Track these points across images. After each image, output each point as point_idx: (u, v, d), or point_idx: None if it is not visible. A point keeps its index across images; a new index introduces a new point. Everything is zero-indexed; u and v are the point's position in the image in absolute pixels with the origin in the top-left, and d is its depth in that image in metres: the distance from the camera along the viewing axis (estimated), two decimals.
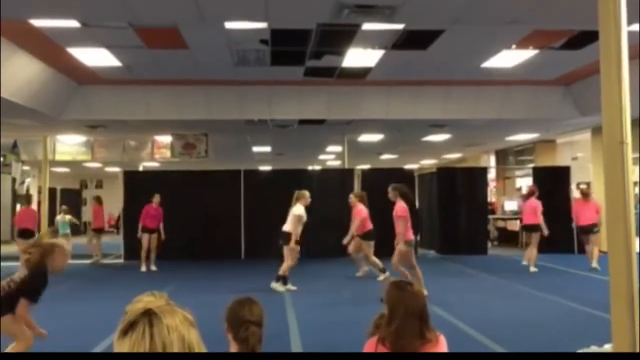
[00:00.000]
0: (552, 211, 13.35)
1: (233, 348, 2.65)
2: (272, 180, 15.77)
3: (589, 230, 11.89)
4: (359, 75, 11.30)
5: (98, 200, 15.39)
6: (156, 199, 12.96)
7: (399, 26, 8.31)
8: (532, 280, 10.55)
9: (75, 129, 14.29)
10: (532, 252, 11.93)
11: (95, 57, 9.77)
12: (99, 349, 5.89)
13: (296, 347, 6.06)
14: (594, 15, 4.32)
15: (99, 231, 14.99)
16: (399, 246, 8.83)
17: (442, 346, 2.81)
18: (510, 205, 19.20)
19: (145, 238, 12.81)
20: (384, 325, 2.79)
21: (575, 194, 15.57)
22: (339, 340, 6.25)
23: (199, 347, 1.28)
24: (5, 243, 20.74)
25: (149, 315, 1.25)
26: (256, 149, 19.65)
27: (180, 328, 1.25)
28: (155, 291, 1.35)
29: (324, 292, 9.90)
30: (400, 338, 2.72)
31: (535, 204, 11.97)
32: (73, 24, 7.95)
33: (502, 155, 21.78)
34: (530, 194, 12.39)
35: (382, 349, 2.74)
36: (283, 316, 7.58)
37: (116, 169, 20.26)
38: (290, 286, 9.74)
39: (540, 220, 11.76)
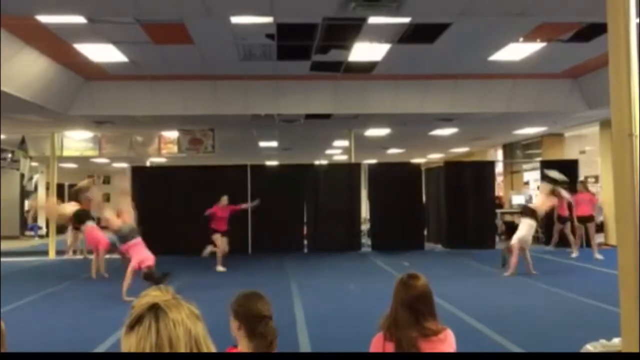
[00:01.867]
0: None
1: (246, 345, 2.57)
2: (278, 175, 15.79)
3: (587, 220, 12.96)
4: (365, 69, 11.27)
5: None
6: (224, 200, 12.10)
7: (406, 20, 8.27)
8: (541, 273, 10.51)
9: (83, 124, 14.34)
10: (593, 242, 12.83)
11: (102, 52, 9.79)
12: (108, 342, 5.92)
13: (303, 340, 6.07)
14: (602, 7, 4.29)
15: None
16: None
17: (450, 340, 2.81)
18: (518, 199, 19.14)
19: (219, 240, 11.88)
20: (387, 317, 2.85)
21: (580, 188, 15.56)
22: (346, 333, 6.26)
23: (205, 341, 1.28)
24: (14, 238, 20.90)
25: (155, 309, 1.25)
26: (263, 144, 19.66)
27: (186, 322, 1.25)
28: (162, 286, 1.36)
29: (331, 284, 9.92)
30: (397, 329, 2.76)
31: (590, 195, 12.84)
32: (79, 20, 7.96)
33: (510, 149, 21.69)
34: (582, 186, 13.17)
35: (388, 342, 2.77)
36: (290, 309, 7.60)
37: (123, 165, 20.35)
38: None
39: (594, 211, 12.89)
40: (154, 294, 1.30)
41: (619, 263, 4.09)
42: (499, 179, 21.15)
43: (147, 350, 1.22)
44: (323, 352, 5.31)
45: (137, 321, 1.25)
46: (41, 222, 22.79)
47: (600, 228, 15.44)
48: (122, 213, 9.22)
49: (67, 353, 5.04)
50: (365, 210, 16.10)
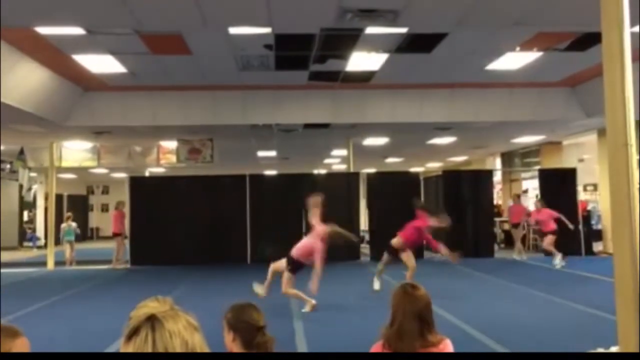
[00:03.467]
0: (558, 213, 13.37)
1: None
2: (277, 185, 15.80)
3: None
4: (363, 79, 11.32)
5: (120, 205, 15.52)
6: None
7: (403, 30, 8.32)
8: (539, 282, 10.52)
9: (81, 135, 14.37)
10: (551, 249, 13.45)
11: (101, 63, 9.83)
12: (108, 352, 5.90)
13: (302, 350, 6.05)
14: (597, 17, 4.33)
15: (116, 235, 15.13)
16: None
17: (448, 350, 2.81)
18: None
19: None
20: (387, 327, 2.82)
21: (582, 196, 15.64)
22: (345, 342, 6.25)
23: (203, 352, 1.28)
24: (12, 249, 20.86)
25: (151, 320, 1.26)
26: (261, 153, 19.69)
27: (183, 333, 1.26)
28: (159, 296, 1.36)
29: (330, 296, 9.89)
30: (400, 339, 2.75)
31: (550, 212, 13.30)
32: (78, 31, 8.00)
33: (508, 158, 21.72)
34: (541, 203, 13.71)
35: (387, 352, 2.77)
36: (289, 319, 7.59)
37: (122, 175, 20.37)
38: None
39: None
40: (151, 305, 1.31)
41: (615, 271, 4.10)
42: (498, 188, 21.17)
43: None
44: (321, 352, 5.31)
45: (134, 332, 1.25)
46: (39, 233, 22.79)
47: (599, 236, 15.47)
48: None
49: (67, 353, 5.03)
50: (364, 220, 16.10)
